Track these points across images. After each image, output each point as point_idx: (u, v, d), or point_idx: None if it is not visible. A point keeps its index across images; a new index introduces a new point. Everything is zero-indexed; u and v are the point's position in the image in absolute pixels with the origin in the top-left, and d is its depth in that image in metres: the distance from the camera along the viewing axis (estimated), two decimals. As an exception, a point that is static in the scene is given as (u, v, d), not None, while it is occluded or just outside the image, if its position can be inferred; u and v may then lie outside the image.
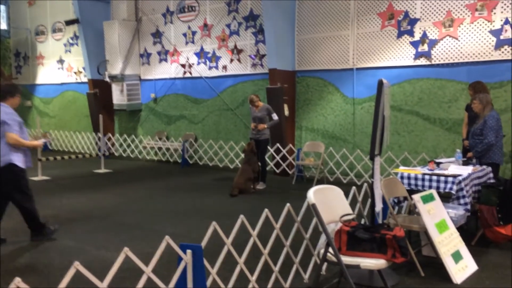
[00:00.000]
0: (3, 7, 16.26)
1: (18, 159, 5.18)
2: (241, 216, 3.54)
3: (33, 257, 4.78)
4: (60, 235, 5.60)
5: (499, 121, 5.86)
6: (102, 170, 10.80)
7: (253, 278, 3.66)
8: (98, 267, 4.45)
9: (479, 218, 5.17)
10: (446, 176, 4.99)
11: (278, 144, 9.70)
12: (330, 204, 3.56)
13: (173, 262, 3.67)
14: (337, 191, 3.73)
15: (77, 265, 2.41)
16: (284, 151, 9.70)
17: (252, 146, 8.30)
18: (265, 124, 8.38)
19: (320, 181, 8.80)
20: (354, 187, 4.78)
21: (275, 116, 8.44)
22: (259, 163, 8.50)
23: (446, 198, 5.11)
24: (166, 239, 2.90)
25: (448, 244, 4.25)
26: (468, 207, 4.87)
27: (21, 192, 5.27)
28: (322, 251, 3.41)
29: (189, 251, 2.92)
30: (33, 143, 5.54)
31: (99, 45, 13.14)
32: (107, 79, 12.89)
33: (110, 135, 13.43)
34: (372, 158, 4.18)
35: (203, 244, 3.07)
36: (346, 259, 3.31)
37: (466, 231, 5.18)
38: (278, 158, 9.85)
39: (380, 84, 4.05)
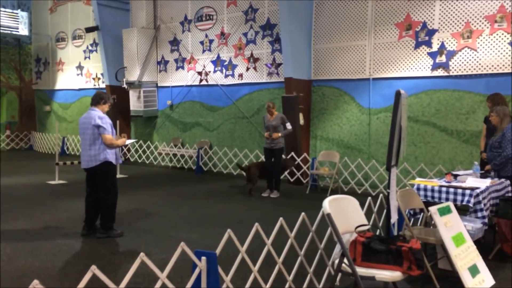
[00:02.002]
0: (25, 14, 16.62)
1: (112, 157, 5.72)
2: (256, 224, 3.54)
3: (49, 260, 4.84)
4: (74, 238, 5.67)
5: (518, 134, 5.76)
6: (118, 176, 10.88)
7: (267, 287, 3.64)
8: (113, 271, 4.49)
9: (496, 232, 5.09)
10: (464, 188, 4.93)
11: (292, 153, 9.68)
12: (346, 214, 3.54)
13: (187, 268, 3.68)
14: (353, 201, 3.71)
15: (94, 269, 2.43)
16: (298, 160, 9.68)
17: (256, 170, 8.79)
18: (279, 133, 8.40)
19: (335, 191, 8.75)
20: (369, 198, 4.74)
21: (289, 126, 8.47)
22: (274, 172, 8.58)
23: (463, 211, 5.03)
24: (182, 245, 2.91)
25: (465, 257, 4.18)
26: (486, 220, 4.79)
27: (110, 187, 5.76)
28: (336, 261, 3.38)
29: (203, 258, 2.93)
30: (123, 141, 5.93)
31: (118, 52, 13.34)
32: (125, 86, 13.06)
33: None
34: (388, 169, 4.15)
35: (218, 251, 3.08)
36: (361, 270, 3.28)
37: (483, 244, 5.10)
38: (292, 167, 9.82)
39: (398, 94, 4.04)
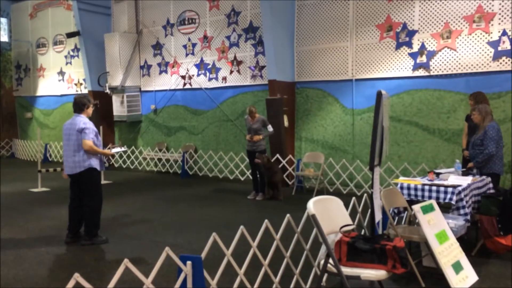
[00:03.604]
0: (4, 20, 16.38)
1: (97, 163, 5.68)
2: (241, 227, 3.54)
3: (32, 268, 4.77)
4: (58, 246, 5.59)
5: (499, 132, 5.88)
6: (102, 182, 10.76)
7: (253, 290, 3.64)
8: (98, 279, 4.44)
9: (479, 229, 5.16)
10: (446, 186, 5.00)
11: (278, 155, 9.70)
12: (330, 214, 3.57)
13: (173, 273, 3.67)
14: (337, 202, 3.73)
15: (77, 277, 2.41)
16: (284, 161, 9.70)
17: (265, 160, 8.38)
18: (260, 136, 8.44)
19: (320, 192, 8.79)
20: (354, 198, 4.78)
21: (270, 128, 8.52)
22: (258, 175, 8.62)
23: (446, 208, 5.10)
24: (166, 250, 2.90)
25: (449, 254, 4.24)
26: (468, 217, 4.86)
27: (95, 193, 5.70)
28: (322, 262, 3.40)
29: (189, 263, 2.91)
30: (105, 151, 5.93)
31: (100, 57, 13.22)
32: (108, 91, 12.94)
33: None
34: (371, 169, 4.19)
35: (203, 255, 3.07)
36: (347, 270, 3.30)
37: (466, 241, 5.17)
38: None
39: (379, 95, 4.08)
